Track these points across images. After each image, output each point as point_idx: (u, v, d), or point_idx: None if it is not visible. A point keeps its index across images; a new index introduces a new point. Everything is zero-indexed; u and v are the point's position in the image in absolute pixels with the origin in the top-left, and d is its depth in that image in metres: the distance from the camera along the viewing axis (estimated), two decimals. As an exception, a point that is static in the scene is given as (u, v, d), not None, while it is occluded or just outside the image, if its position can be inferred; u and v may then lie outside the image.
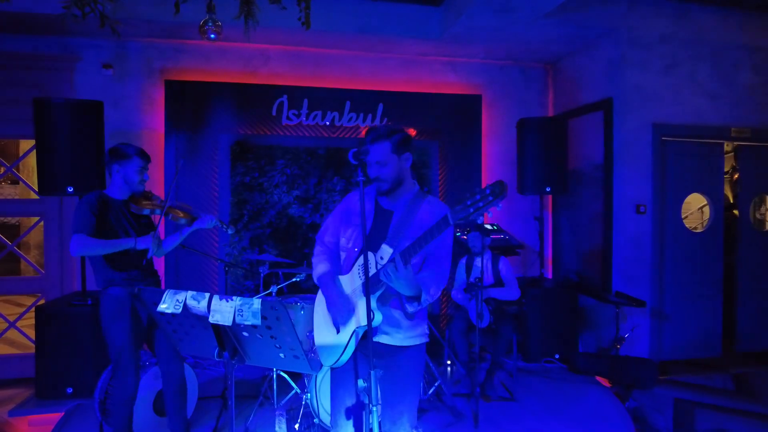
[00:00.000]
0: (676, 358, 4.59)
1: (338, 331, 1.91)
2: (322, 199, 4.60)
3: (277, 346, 1.51)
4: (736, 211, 4.91)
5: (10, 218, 7.35)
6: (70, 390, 3.70)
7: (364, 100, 4.81)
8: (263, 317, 1.39)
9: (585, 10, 4.26)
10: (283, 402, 3.50)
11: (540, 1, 3.79)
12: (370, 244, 1.92)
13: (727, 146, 5.10)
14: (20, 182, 7.18)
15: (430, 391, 3.62)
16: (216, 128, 4.59)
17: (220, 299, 1.40)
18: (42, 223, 4.48)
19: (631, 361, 4.14)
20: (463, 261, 4.08)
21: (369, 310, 1.59)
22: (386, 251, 1.87)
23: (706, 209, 4.80)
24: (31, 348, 4.60)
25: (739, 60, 4.65)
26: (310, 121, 4.73)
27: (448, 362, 4.18)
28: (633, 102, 4.39)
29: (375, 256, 1.88)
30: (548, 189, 4.50)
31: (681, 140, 4.52)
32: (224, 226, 2.91)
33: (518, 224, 5.31)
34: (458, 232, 4.61)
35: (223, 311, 1.38)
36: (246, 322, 1.38)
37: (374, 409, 1.59)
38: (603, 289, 4.49)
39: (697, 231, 4.71)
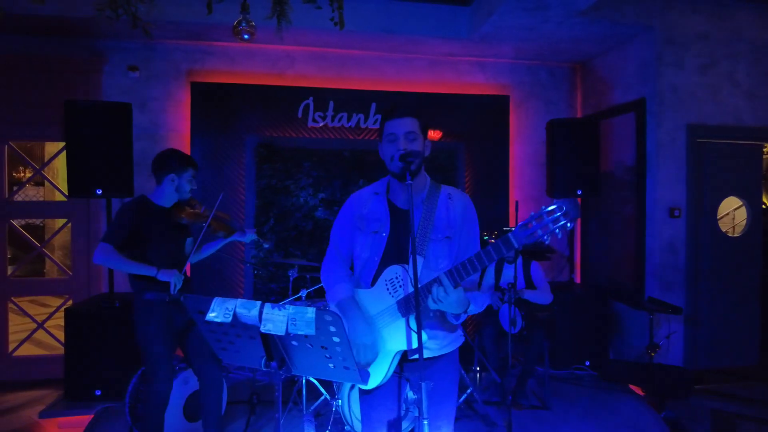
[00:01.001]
0: (712, 366, 4.45)
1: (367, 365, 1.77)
2: (348, 201, 4.55)
3: (328, 356, 1.45)
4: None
5: (34, 219, 7.44)
6: (98, 392, 3.70)
7: (389, 102, 4.74)
8: (317, 327, 1.34)
9: (619, 8, 4.16)
10: (312, 408, 3.46)
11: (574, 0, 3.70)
12: (391, 254, 1.80)
13: (766, 148, 4.94)
14: (44, 184, 7.27)
15: (462, 399, 3.54)
16: (242, 130, 4.57)
17: (272, 308, 1.35)
18: (69, 224, 4.50)
19: (666, 370, 4.02)
20: (493, 265, 4.00)
21: (419, 326, 1.52)
22: (419, 261, 1.73)
23: (744, 213, 4.64)
24: (58, 349, 4.63)
25: (779, 58, 4.51)
26: (336, 123, 4.68)
27: (477, 368, 4.09)
28: (667, 102, 4.27)
29: (403, 270, 1.74)
30: (579, 192, 4.40)
31: (717, 142, 4.38)
32: (263, 241, 2.91)
33: (545, 227, 5.20)
34: (485, 235, 4.53)
35: (275, 320, 1.33)
36: (299, 332, 1.33)
37: (425, 422, 1.52)
38: (635, 295, 4.37)
39: (734, 236, 4.56)
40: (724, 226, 4.55)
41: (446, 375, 1.84)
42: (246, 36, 2.86)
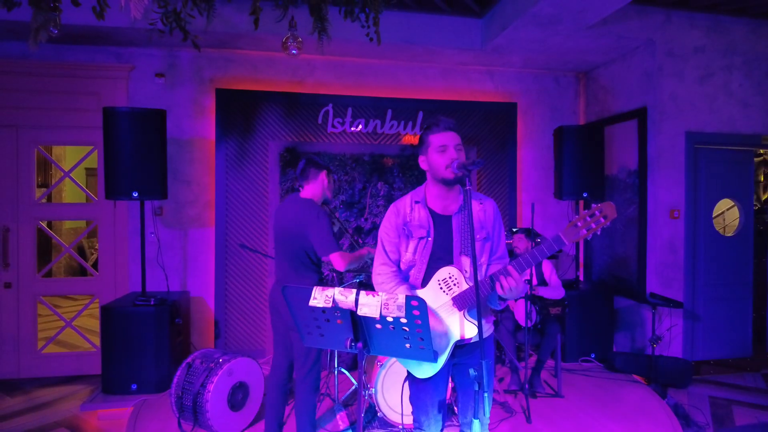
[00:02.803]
0: (708, 358, 4.75)
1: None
2: (367, 203, 4.78)
3: (406, 337, 1.67)
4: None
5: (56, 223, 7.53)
6: (134, 386, 3.86)
7: (404, 108, 4.99)
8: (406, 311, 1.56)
9: (624, 23, 4.44)
10: (344, 397, 3.67)
11: (585, 15, 3.96)
12: (438, 256, 2.03)
13: (759, 153, 5.26)
14: (64, 189, 7.36)
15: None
16: (265, 135, 4.77)
17: (367, 294, 1.57)
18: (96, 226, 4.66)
19: (667, 361, 4.30)
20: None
21: (480, 315, 1.75)
22: (465, 261, 2.00)
23: (736, 214, 4.96)
24: (84, 347, 4.78)
25: (769, 70, 4.83)
26: (354, 129, 4.91)
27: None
28: (668, 111, 4.57)
29: (456, 270, 1.98)
30: (585, 194, 4.67)
31: (713, 148, 4.69)
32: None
33: (552, 228, 5.48)
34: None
35: (370, 305, 1.55)
36: (392, 315, 1.55)
37: (486, 395, 1.75)
38: (638, 291, 4.65)
39: (728, 235, 4.87)
40: (718, 226, 4.86)
41: (490, 354, 2.15)
42: (294, 51, 3.07)
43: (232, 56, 4.86)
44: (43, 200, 6.41)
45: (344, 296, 1.58)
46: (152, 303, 3.94)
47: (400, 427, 3.22)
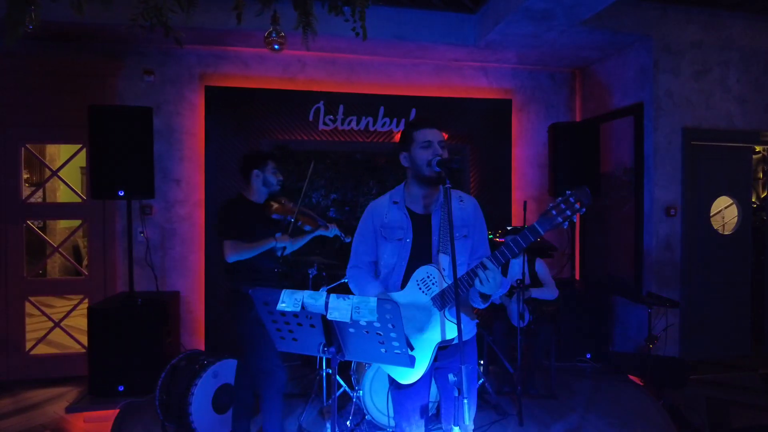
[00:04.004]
0: (706, 358, 4.68)
1: (413, 349, 1.93)
2: (359, 202, 4.71)
3: (381, 341, 1.61)
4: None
5: (36, 221, 7.50)
6: (121, 388, 3.81)
7: (397, 106, 4.91)
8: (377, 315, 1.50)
9: (619, 18, 4.36)
10: (330, 401, 3.60)
11: (578, 10, 3.88)
12: (417, 257, 1.97)
13: (757, 150, 5.18)
14: (44, 187, 7.31)
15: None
16: (255, 133, 4.71)
17: (337, 298, 1.50)
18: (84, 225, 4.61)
19: (663, 361, 4.24)
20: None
21: (458, 314, 1.69)
22: (444, 260, 1.93)
23: (734, 211, 4.88)
24: (73, 348, 4.73)
25: None
26: (346, 126, 4.84)
27: (481, 362, 4.26)
28: (664, 107, 4.49)
29: (434, 269, 1.92)
30: (580, 192, 4.59)
31: (710, 144, 4.61)
32: (344, 236, 3.03)
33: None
34: (490, 234, 4.72)
35: (341, 309, 1.49)
36: (363, 319, 1.49)
37: (465, 401, 1.69)
38: (634, 290, 4.59)
39: (726, 233, 4.79)
40: (716, 224, 4.78)
41: (472, 357, 2.09)
42: (276, 46, 3.00)
43: (222, 53, 4.79)
44: (38, 199, 6.37)
45: (314, 300, 1.52)
46: (139, 303, 3.88)
47: (388, 429, 3.16)
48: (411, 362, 1.67)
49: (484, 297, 1.93)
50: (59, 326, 4.60)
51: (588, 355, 4.59)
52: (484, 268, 1.77)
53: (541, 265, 4.08)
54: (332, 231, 3.09)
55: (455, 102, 5.07)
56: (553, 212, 1.71)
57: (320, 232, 3.10)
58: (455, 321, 1.85)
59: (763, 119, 4.71)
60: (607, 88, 5.08)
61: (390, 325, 1.54)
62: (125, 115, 3.85)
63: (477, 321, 2.14)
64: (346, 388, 3.50)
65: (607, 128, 5.04)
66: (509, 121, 5.20)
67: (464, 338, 2.03)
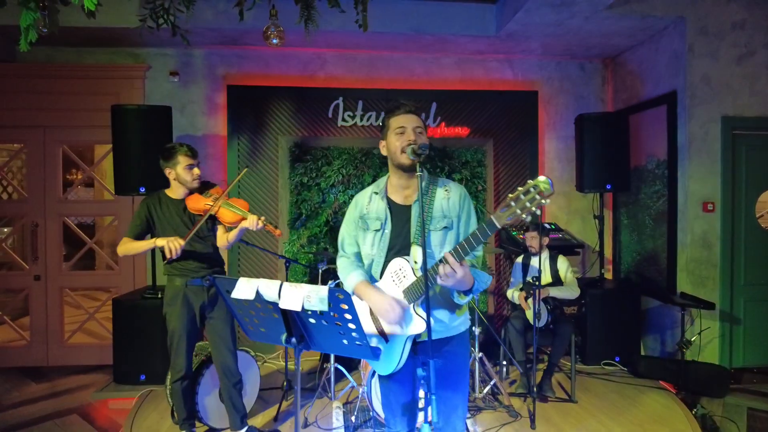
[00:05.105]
0: (750, 365, 4.31)
1: (388, 341, 1.89)
2: (377, 198, 4.67)
3: (341, 332, 1.57)
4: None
5: (85, 220, 7.94)
6: (143, 377, 3.95)
7: (417, 100, 4.82)
8: (329, 304, 1.46)
9: (647, 1, 4.10)
10: (340, 395, 3.59)
11: (600, -7, 3.69)
12: (395, 248, 1.92)
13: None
14: (95, 185, 7.74)
15: (486, 390, 3.60)
16: (275, 130, 4.77)
17: (290, 286, 1.48)
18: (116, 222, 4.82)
19: (700, 367, 3.94)
20: (520, 259, 4.03)
21: (428, 308, 1.62)
22: (418, 252, 1.85)
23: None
24: (107, 338, 4.96)
25: (824, 44, 4.32)
26: (365, 122, 4.82)
27: (504, 362, 4.13)
28: (699, 95, 4.18)
29: (405, 261, 1.86)
30: (609, 186, 4.36)
31: (756, 134, 4.25)
32: (270, 232, 2.82)
33: (577, 223, 5.17)
34: (514, 231, 4.56)
35: (293, 297, 1.46)
36: (314, 308, 1.45)
37: (433, 397, 1.61)
38: (667, 290, 4.29)
39: (775, 230, 4.41)
40: (763, 221, 4.39)
41: (457, 356, 1.96)
42: (275, 41, 3.01)
43: (243, 53, 4.89)
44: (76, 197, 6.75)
45: (269, 288, 1.50)
46: (160, 296, 4.01)
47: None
48: (375, 355, 1.62)
49: (461, 293, 1.83)
50: (93, 317, 4.84)
51: (617, 359, 4.34)
52: (444, 261, 1.68)
53: (563, 263, 3.90)
54: (254, 225, 2.79)
55: (477, 95, 4.94)
56: (512, 203, 1.57)
57: (244, 225, 2.84)
58: (425, 315, 1.78)
59: (818, 105, 4.29)
60: (639, 76, 4.79)
61: (346, 315, 1.50)
62: (146, 114, 4.00)
63: (467, 317, 2.03)
64: (354, 384, 3.47)
65: (639, 119, 4.75)
66: (535, 114, 5.00)
67: (450, 334, 1.95)
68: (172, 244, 2.64)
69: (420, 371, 1.67)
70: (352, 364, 3.79)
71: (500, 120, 4.92)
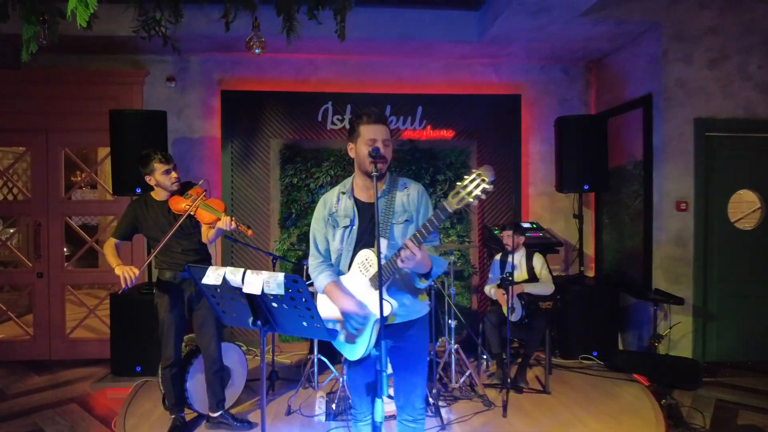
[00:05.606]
0: (725, 359, 4.46)
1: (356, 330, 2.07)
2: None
3: (300, 315, 1.75)
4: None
5: (90, 221, 8.20)
6: (139, 368, 4.15)
7: (404, 104, 5.02)
8: (287, 289, 1.64)
9: (626, 6, 4.23)
10: (323, 384, 3.77)
11: (574, 1, 3.85)
12: (362, 242, 2.09)
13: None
14: (98, 186, 7.98)
15: (461, 380, 3.76)
16: (267, 134, 4.97)
17: (252, 273, 1.66)
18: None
19: (673, 361, 4.09)
20: (498, 257, 4.19)
21: (381, 300, 1.79)
22: (383, 244, 2.03)
23: (758, 205, 4.62)
24: (107, 333, 5.16)
25: (795, 49, 4.46)
26: (354, 125, 4.99)
27: (484, 356, 4.29)
28: (674, 97, 4.33)
29: (371, 252, 2.03)
30: (587, 187, 4.52)
31: (728, 135, 4.39)
32: (243, 232, 2.96)
33: (561, 222, 5.33)
34: (496, 229, 4.72)
35: (254, 283, 1.64)
36: (272, 292, 1.63)
37: (384, 374, 1.79)
38: (644, 287, 4.44)
39: (747, 228, 4.54)
40: (736, 218, 4.53)
41: (418, 338, 2.16)
42: (257, 50, 3.20)
43: (238, 58, 5.08)
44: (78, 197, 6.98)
45: (233, 275, 1.68)
46: (154, 291, 4.20)
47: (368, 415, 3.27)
48: (331, 336, 1.80)
49: (421, 277, 2.01)
50: (94, 313, 5.05)
51: (595, 353, 4.49)
52: (404, 247, 1.86)
53: (538, 260, 4.06)
54: (227, 226, 2.91)
55: (462, 98, 5.11)
56: (460, 191, 1.76)
57: (219, 226, 2.95)
58: (393, 301, 1.98)
59: (790, 107, 4.43)
60: (620, 80, 4.95)
61: (303, 299, 1.68)
62: (142, 118, 4.20)
63: (427, 303, 2.21)
64: (336, 374, 3.65)
65: (619, 121, 4.91)
66: (518, 116, 5.17)
67: (410, 318, 2.13)
68: (127, 274, 2.80)
69: (374, 351, 1.84)
70: (336, 357, 3.96)
71: (484, 123, 5.09)
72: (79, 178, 8.15)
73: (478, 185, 1.72)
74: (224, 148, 4.95)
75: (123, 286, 2.81)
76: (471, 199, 1.73)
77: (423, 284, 2.05)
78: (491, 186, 1.71)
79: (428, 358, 2.26)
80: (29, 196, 4.98)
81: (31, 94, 4.85)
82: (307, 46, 4.54)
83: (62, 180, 5.01)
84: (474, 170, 1.74)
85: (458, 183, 1.77)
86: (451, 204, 1.78)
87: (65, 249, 5.12)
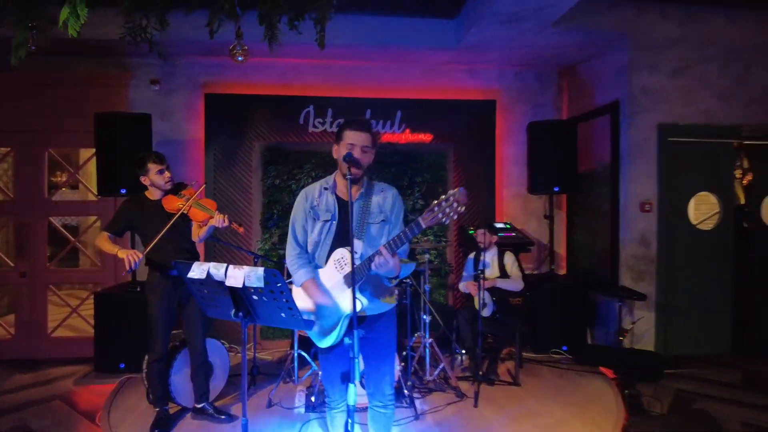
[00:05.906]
0: (687, 353, 4.70)
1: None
2: (345, 199, 5.01)
3: (279, 307, 1.89)
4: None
5: (70, 221, 8.20)
6: (122, 365, 4.25)
7: (383, 108, 5.18)
8: (266, 282, 1.78)
9: (594, 17, 4.46)
10: (303, 379, 3.91)
11: (545, 12, 4.05)
12: (340, 237, 2.23)
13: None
14: (79, 187, 7.99)
15: (435, 373, 3.94)
16: (250, 136, 5.09)
17: (234, 267, 1.80)
18: (99, 222, 5.10)
19: (639, 354, 4.32)
20: (472, 255, 4.38)
21: (354, 291, 1.95)
22: (357, 244, 2.19)
23: (716, 207, 4.88)
24: (90, 332, 5.23)
25: (751, 60, 4.74)
26: (334, 129, 5.15)
27: (458, 351, 4.48)
28: (639, 104, 4.57)
29: (347, 251, 2.17)
30: (557, 189, 4.74)
31: (690, 140, 4.65)
32: (235, 227, 3.14)
33: (534, 223, 5.54)
34: (471, 229, 4.91)
35: (236, 276, 1.79)
36: (253, 285, 1.78)
37: (356, 360, 1.94)
38: (611, 285, 4.67)
39: (707, 229, 4.80)
40: (696, 220, 4.79)
41: (386, 329, 2.34)
42: (240, 58, 3.34)
43: (224, 62, 5.15)
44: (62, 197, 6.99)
45: (217, 270, 1.82)
46: (138, 290, 4.31)
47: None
48: (308, 326, 1.95)
49: (390, 278, 2.19)
50: (76, 312, 5.11)
51: (564, 348, 4.70)
52: (378, 254, 2.02)
53: (509, 258, 4.26)
54: (220, 223, 3.07)
55: (440, 103, 5.29)
56: (435, 209, 1.93)
57: (213, 223, 3.10)
58: (364, 298, 2.15)
59: (746, 114, 4.70)
60: (590, 86, 5.18)
61: (281, 292, 1.83)
62: (127, 121, 4.30)
63: (395, 298, 2.38)
64: (315, 368, 3.79)
65: (589, 126, 5.14)
66: (493, 121, 5.37)
67: (380, 311, 2.30)
68: (131, 257, 2.91)
69: (347, 340, 2.00)
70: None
71: (461, 127, 5.28)
72: (61, 179, 8.14)
73: (451, 206, 1.88)
74: (207, 150, 5.06)
75: (127, 268, 2.91)
76: (444, 219, 1.90)
77: (391, 284, 2.24)
78: (464, 208, 1.88)
79: (395, 347, 2.43)
80: (11, 196, 5.02)
81: (17, 96, 4.90)
82: (290, 51, 4.67)
83: (45, 180, 5.06)
84: (450, 191, 1.90)
85: (434, 201, 1.93)
86: (426, 220, 1.95)
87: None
